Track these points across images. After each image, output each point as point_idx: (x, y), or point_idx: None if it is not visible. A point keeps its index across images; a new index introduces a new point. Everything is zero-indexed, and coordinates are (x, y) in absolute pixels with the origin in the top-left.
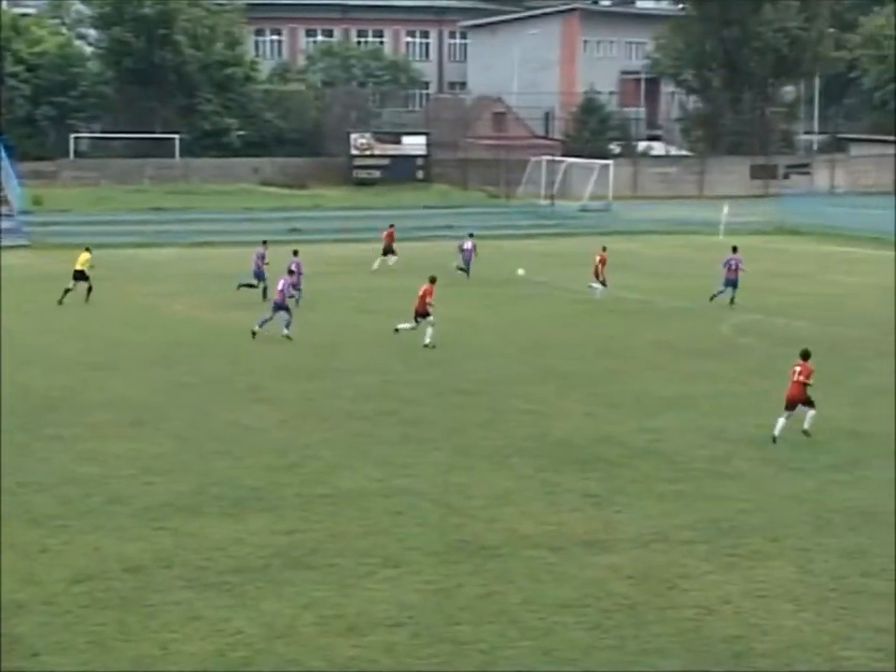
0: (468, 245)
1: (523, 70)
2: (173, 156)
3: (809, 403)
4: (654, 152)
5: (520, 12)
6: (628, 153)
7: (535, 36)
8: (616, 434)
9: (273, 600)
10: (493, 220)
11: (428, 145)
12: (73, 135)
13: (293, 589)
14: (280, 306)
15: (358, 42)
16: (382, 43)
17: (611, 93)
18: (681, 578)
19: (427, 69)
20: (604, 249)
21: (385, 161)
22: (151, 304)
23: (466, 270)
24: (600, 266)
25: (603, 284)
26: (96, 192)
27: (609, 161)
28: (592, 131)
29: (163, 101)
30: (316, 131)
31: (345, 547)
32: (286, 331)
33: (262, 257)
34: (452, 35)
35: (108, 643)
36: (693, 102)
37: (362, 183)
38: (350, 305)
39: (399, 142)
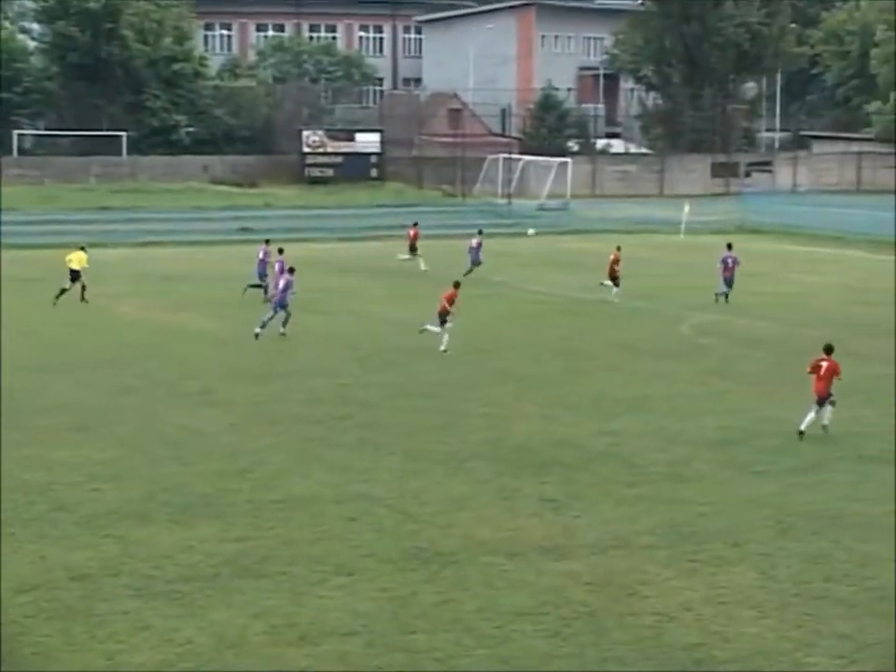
0: (475, 242)
1: (479, 66)
2: (120, 154)
3: (830, 401)
4: (613, 150)
5: (476, 7)
6: (587, 151)
7: (491, 32)
8: (574, 437)
9: (224, 609)
10: (449, 219)
11: (382, 142)
12: (16, 132)
13: (244, 598)
14: (281, 305)
15: (310, 37)
16: (334, 38)
17: (569, 90)
18: (641, 584)
19: (381, 65)
20: (618, 249)
21: (338, 159)
22: (98, 306)
23: (476, 264)
24: (614, 266)
25: (615, 284)
26: (41, 191)
27: (568, 159)
28: (549, 128)
29: (110, 97)
30: (267, 128)
31: (297, 554)
32: (282, 329)
33: (266, 255)
34: (406, 29)
35: (54, 654)
36: (652, 98)
37: (314, 181)
38: (301, 306)
39: (352, 139)
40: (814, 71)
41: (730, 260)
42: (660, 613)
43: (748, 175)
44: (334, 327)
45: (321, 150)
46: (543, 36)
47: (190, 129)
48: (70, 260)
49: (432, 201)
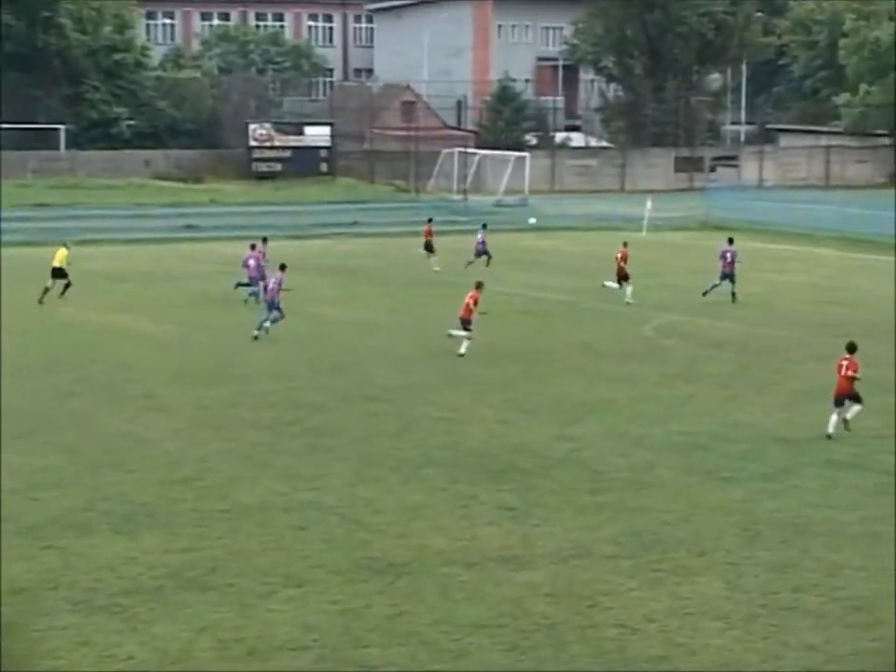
0: (479, 235)
1: (433, 56)
2: (58, 148)
3: (856, 398)
4: (573, 144)
5: None
6: (545, 145)
7: (446, 20)
8: (533, 442)
9: (168, 623)
10: (402, 216)
11: (333, 136)
12: None
13: (189, 611)
14: (272, 305)
15: (257, 26)
16: (282, 27)
17: (527, 81)
18: (603, 595)
19: (331, 55)
20: (625, 245)
21: (287, 154)
22: (36, 307)
23: (486, 255)
24: (622, 263)
25: (620, 283)
26: None
27: (525, 154)
28: (507, 121)
29: (47, 88)
30: (213, 121)
31: (245, 565)
32: (268, 324)
33: (262, 254)
34: (357, 18)
35: None
36: (613, 90)
37: (262, 177)
38: (247, 306)
39: (301, 133)
40: (781, 62)
41: (729, 255)
42: (622, 625)
43: (712, 169)
44: (283, 328)
45: (269, 144)
46: (500, 26)
47: (132, 122)
48: (53, 258)
49: (385, 197)
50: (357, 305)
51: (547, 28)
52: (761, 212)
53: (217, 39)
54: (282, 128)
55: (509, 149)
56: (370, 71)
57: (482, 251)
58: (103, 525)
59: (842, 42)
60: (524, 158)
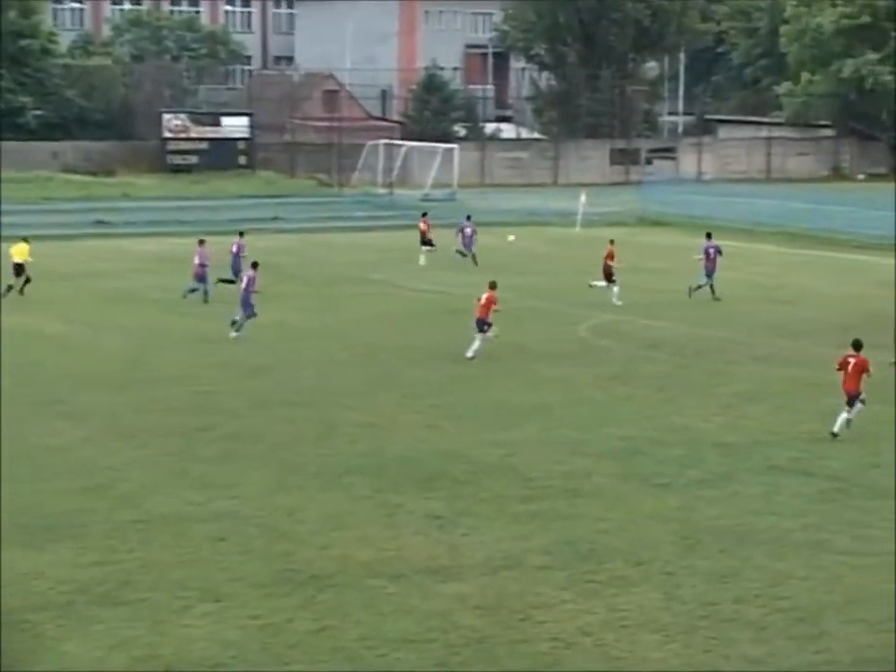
0: (468, 229)
1: (357, 43)
2: None
3: (859, 398)
4: (504, 135)
5: None
6: (475, 136)
7: (370, 6)
8: (463, 448)
9: (78, 640)
10: (324, 211)
11: (251, 127)
12: None
13: (100, 627)
14: (245, 303)
15: (171, 11)
16: (198, 12)
17: (455, 69)
18: (536, 608)
19: (250, 41)
20: (611, 242)
21: (203, 146)
22: None
23: (471, 256)
24: (608, 261)
25: (611, 282)
26: None
27: (454, 145)
28: (434, 111)
29: None
30: (124, 111)
31: (159, 579)
32: (238, 318)
33: (240, 249)
34: (277, 3)
35: None
36: (545, 79)
37: (177, 170)
38: (160, 307)
39: (218, 124)
40: (720, 50)
41: (712, 250)
42: (556, 639)
43: (649, 162)
44: (197, 329)
45: (184, 136)
46: (427, 11)
47: (38, 112)
48: (12, 254)
49: (306, 191)
50: (276, 305)
51: (476, 14)
52: (699, 206)
53: (129, 25)
54: (198, 118)
55: (436, 141)
56: (290, 59)
57: (469, 244)
58: (9, 538)
59: (783, 29)
60: (452, 150)
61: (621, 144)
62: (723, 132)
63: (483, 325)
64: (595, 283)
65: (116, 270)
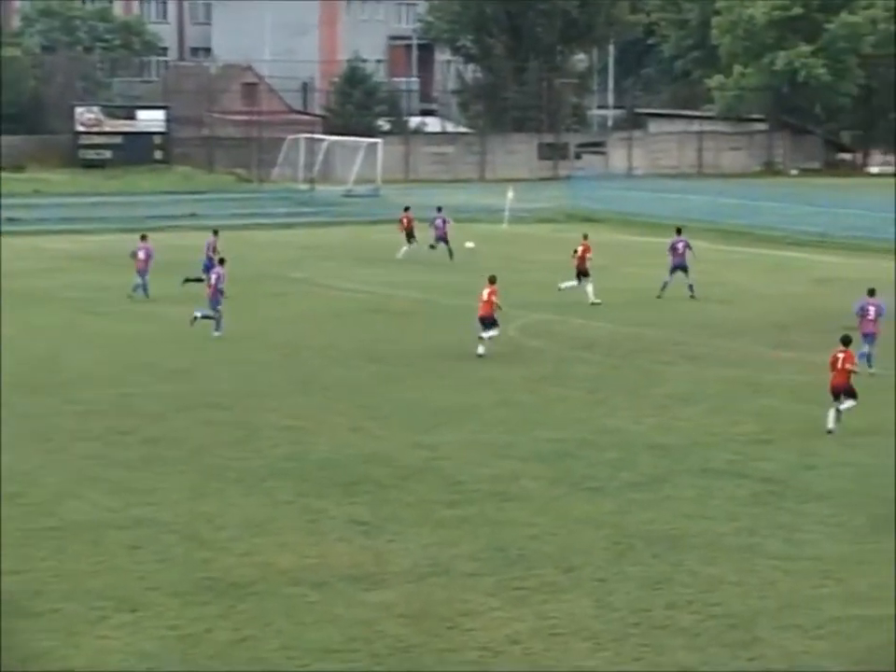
0: (439, 221)
1: (276, 35)
2: None
3: (852, 393)
4: (429, 129)
5: None
6: (399, 130)
7: None
8: (387, 451)
9: None
10: (244, 207)
11: (168, 120)
12: None
13: (11, 640)
14: (215, 302)
15: (84, 0)
16: (111, 1)
17: (379, 62)
18: (463, 615)
19: (165, 32)
20: (585, 237)
21: (117, 140)
22: None
23: (447, 248)
24: (583, 258)
25: (580, 278)
26: None
27: (378, 140)
28: (357, 104)
29: None
30: (35, 104)
31: (74, 588)
32: (198, 314)
33: (212, 247)
34: None
35: None
36: (471, 72)
37: (90, 165)
38: (77, 306)
39: (132, 117)
40: (650, 42)
41: (680, 245)
42: (484, 647)
43: (578, 157)
44: (115, 329)
45: (97, 129)
46: (349, 2)
47: None
48: None
49: (225, 186)
50: (195, 305)
51: (400, 4)
52: (629, 202)
53: (39, 15)
54: (112, 112)
55: (359, 135)
56: (207, 50)
57: (442, 237)
58: None
59: (714, 21)
60: (375, 144)
61: (549, 138)
62: (654, 126)
63: (489, 322)
64: (564, 285)
65: (29, 269)
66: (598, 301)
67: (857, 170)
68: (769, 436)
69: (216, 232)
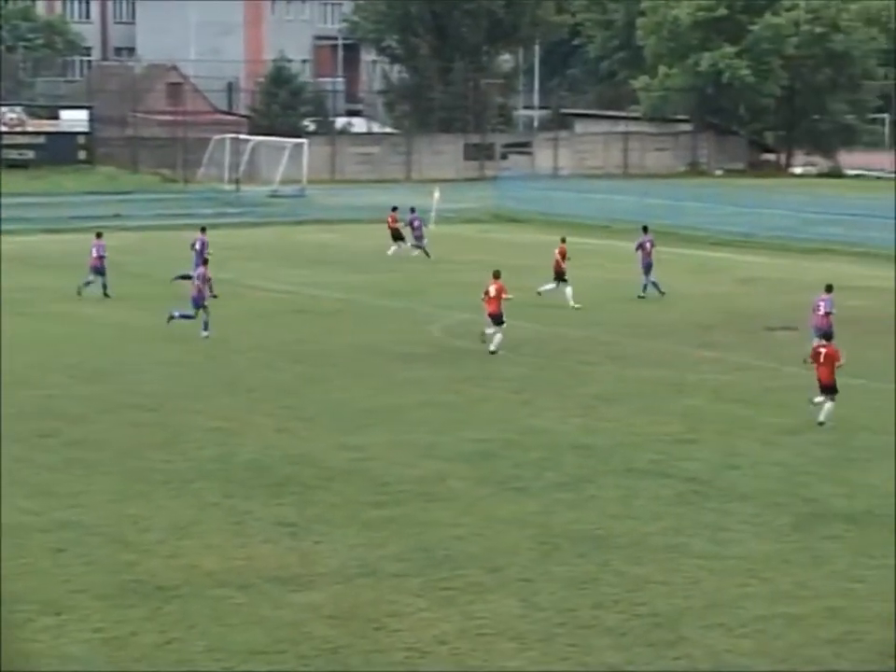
0: (416, 222)
1: (201, 34)
2: None
3: (833, 388)
4: (355, 129)
5: None
6: (325, 130)
7: None
8: (313, 453)
9: None
10: (168, 208)
11: (91, 120)
12: None
13: None
14: (199, 301)
15: (5, 0)
16: (33, 1)
17: (304, 62)
18: (390, 616)
19: (89, 32)
20: (563, 241)
21: (40, 140)
22: None
23: (423, 249)
24: (560, 261)
25: (561, 281)
26: None
27: (303, 140)
28: (282, 104)
29: None
30: None
31: None
32: (176, 314)
33: (204, 245)
34: None
35: None
36: (397, 72)
37: (12, 165)
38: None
39: (55, 117)
40: (576, 42)
41: (648, 244)
42: (411, 648)
43: (504, 157)
44: (38, 330)
45: (19, 129)
46: (274, 1)
47: None
48: None
49: (149, 187)
50: (119, 305)
51: (325, 4)
52: (555, 203)
53: None
54: (34, 111)
55: (285, 135)
56: (131, 50)
57: (419, 236)
58: None
59: (639, 21)
60: (301, 145)
61: (475, 138)
62: (580, 126)
63: (498, 319)
64: (543, 289)
65: None
66: (578, 305)
67: (780, 170)
68: (693, 436)
69: (203, 230)
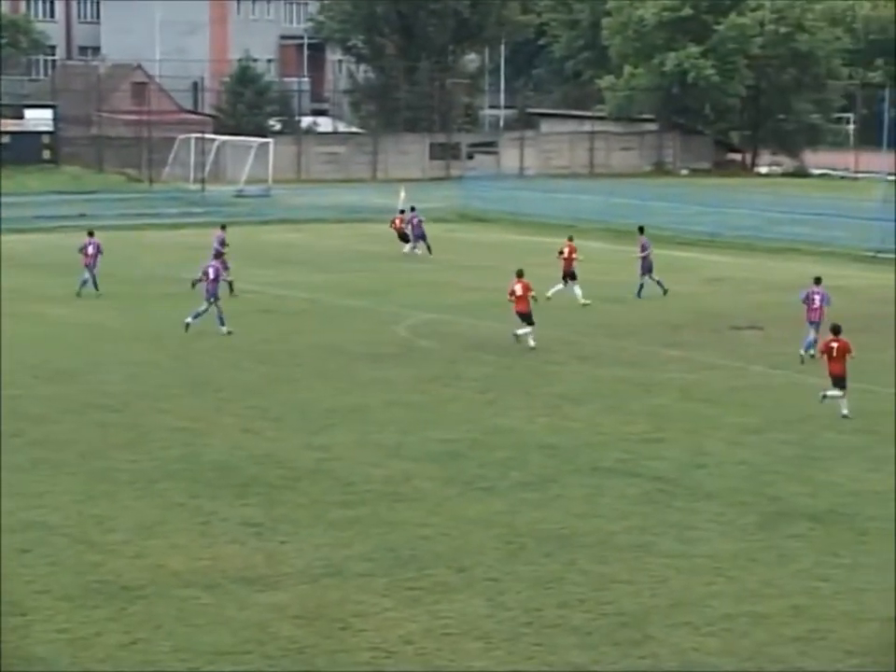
0: (416, 220)
1: (166, 34)
2: None
3: (843, 383)
4: (320, 129)
5: None
6: (290, 130)
7: None
8: (279, 452)
9: None
10: (134, 207)
11: (56, 120)
12: None
13: None
14: (212, 295)
15: None
16: None
17: (270, 61)
18: (356, 616)
19: (53, 31)
20: (570, 239)
21: (5, 139)
22: None
23: (427, 246)
24: (569, 259)
25: (566, 280)
26: None
27: (269, 140)
28: (248, 104)
29: None
30: None
31: None
32: (190, 319)
33: (222, 242)
34: None
35: None
36: (363, 72)
37: None
38: None
39: (20, 116)
40: (541, 42)
41: (647, 244)
42: (377, 648)
43: (470, 157)
44: (3, 330)
45: None
46: (239, 1)
47: None
48: None
49: (114, 186)
50: (84, 305)
51: (291, 3)
52: (521, 202)
53: None
54: None
55: (250, 135)
56: (96, 49)
57: (420, 235)
58: None
59: (605, 21)
60: (267, 144)
61: (441, 138)
62: (546, 126)
63: (528, 318)
64: (551, 292)
65: None
66: (587, 301)
67: (746, 170)
68: (660, 435)
69: (224, 227)
